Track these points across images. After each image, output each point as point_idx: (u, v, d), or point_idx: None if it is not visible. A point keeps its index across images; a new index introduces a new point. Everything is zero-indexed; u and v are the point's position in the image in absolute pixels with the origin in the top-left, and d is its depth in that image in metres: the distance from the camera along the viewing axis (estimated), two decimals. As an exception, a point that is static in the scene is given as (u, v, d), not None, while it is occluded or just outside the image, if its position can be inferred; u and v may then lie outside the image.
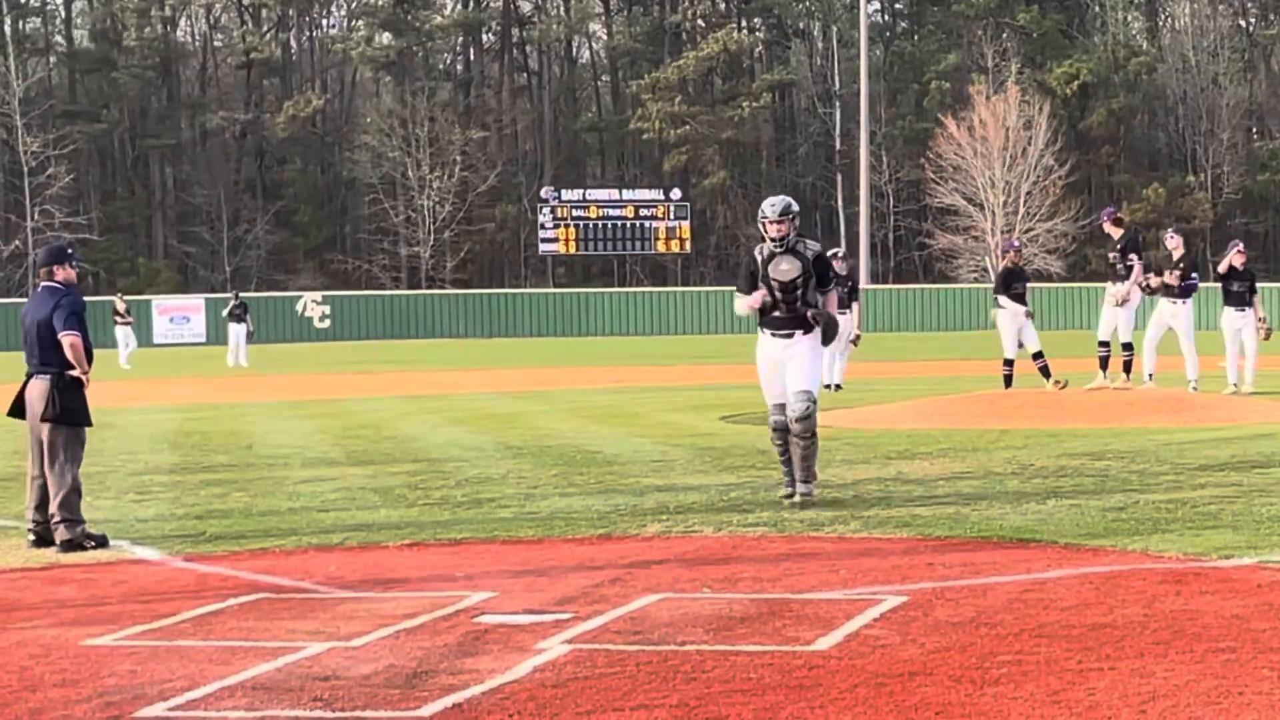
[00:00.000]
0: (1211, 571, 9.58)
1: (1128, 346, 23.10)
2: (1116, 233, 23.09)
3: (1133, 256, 22.62)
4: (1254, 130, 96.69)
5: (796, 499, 12.63)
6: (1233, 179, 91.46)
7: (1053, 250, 76.57)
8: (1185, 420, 19.73)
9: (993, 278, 77.51)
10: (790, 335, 12.64)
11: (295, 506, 13.53)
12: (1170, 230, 25.80)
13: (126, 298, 52.27)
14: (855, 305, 27.47)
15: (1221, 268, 25.05)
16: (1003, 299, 23.46)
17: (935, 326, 71.24)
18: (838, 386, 26.99)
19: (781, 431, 12.78)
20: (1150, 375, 23.40)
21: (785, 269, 12.51)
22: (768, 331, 12.74)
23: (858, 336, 27.59)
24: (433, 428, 21.60)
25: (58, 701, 6.97)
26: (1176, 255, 23.83)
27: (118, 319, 48.51)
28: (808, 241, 12.71)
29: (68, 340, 11.58)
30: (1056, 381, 22.62)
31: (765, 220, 12.58)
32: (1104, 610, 8.42)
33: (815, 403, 12.69)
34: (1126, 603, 8.61)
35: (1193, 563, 9.87)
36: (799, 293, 12.53)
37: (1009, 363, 23.51)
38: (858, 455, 16.47)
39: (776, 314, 12.66)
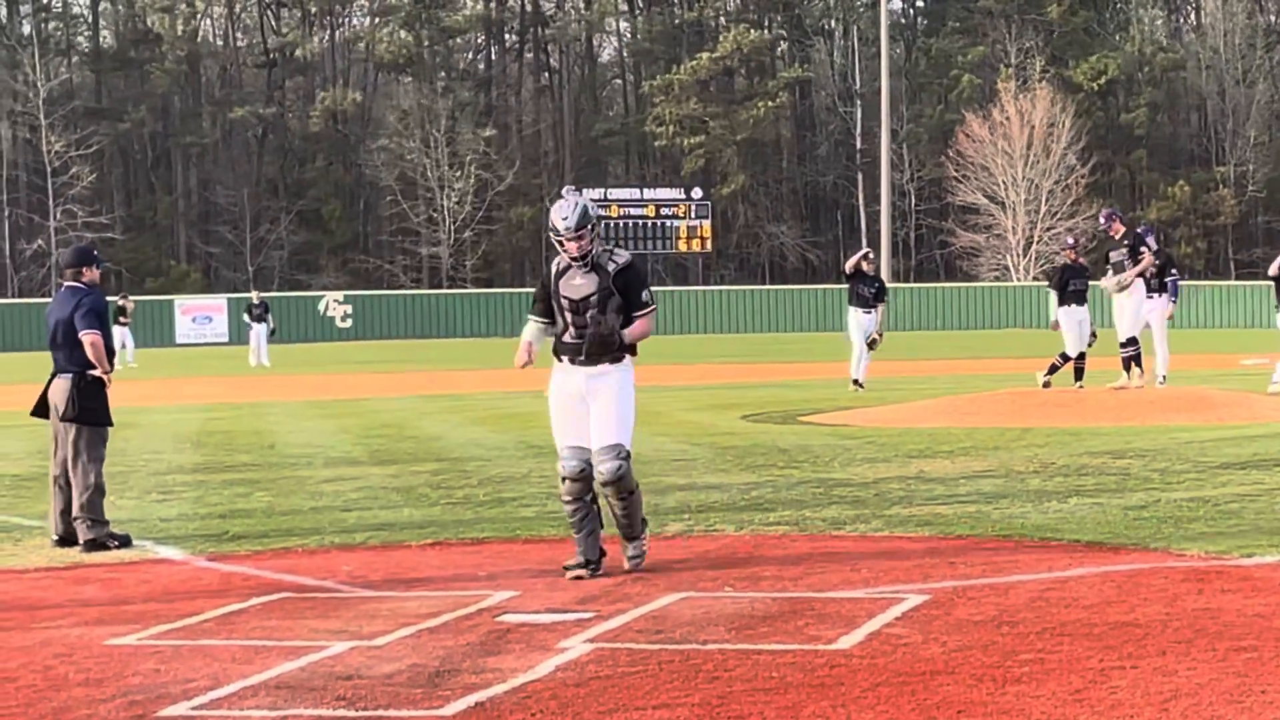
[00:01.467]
0: (1233, 570, 9.57)
1: (1132, 342, 23.11)
2: (1120, 231, 23.12)
3: (1143, 249, 22.68)
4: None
5: (586, 574, 9.91)
6: (1258, 177, 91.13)
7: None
8: (1207, 419, 19.70)
9: (1014, 276, 77.57)
10: (595, 363, 10.03)
11: (318, 506, 13.56)
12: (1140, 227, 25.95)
13: (131, 298, 52.37)
14: (880, 306, 27.40)
15: (1272, 271, 25.18)
16: (1055, 300, 23.75)
17: (956, 325, 71.12)
18: (860, 385, 27.01)
19: (577, 483, 10.08)
20: (1164, 377, 23.93)
21: (578, 284, 10.07)
22: (565, 359, 10.12)
23: (874, 340, 27.47)
24: (454, 427, 21.63)
25: (82, 701, 6.99)
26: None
27: (120, 319, 48.56)
28: (615, 252, 10.24)
29: (88, 339, 11.62)
30: (1081, 386, 22.98)
31: (558, 239, 10.07)
32: (1126, 609, 8.41)
33: (628, 458, 10.05)
34: (1148, 601, 8.60)
35: (1215, 561, 9.85)
36: (592, 313, 10.03)
37: (1081, 355, 23.65)
38: (879, 454, 16.48)
39: (567, 338, 10.11)
